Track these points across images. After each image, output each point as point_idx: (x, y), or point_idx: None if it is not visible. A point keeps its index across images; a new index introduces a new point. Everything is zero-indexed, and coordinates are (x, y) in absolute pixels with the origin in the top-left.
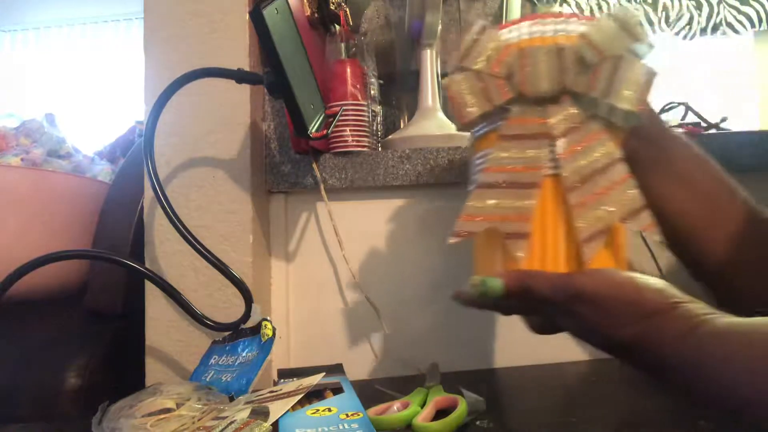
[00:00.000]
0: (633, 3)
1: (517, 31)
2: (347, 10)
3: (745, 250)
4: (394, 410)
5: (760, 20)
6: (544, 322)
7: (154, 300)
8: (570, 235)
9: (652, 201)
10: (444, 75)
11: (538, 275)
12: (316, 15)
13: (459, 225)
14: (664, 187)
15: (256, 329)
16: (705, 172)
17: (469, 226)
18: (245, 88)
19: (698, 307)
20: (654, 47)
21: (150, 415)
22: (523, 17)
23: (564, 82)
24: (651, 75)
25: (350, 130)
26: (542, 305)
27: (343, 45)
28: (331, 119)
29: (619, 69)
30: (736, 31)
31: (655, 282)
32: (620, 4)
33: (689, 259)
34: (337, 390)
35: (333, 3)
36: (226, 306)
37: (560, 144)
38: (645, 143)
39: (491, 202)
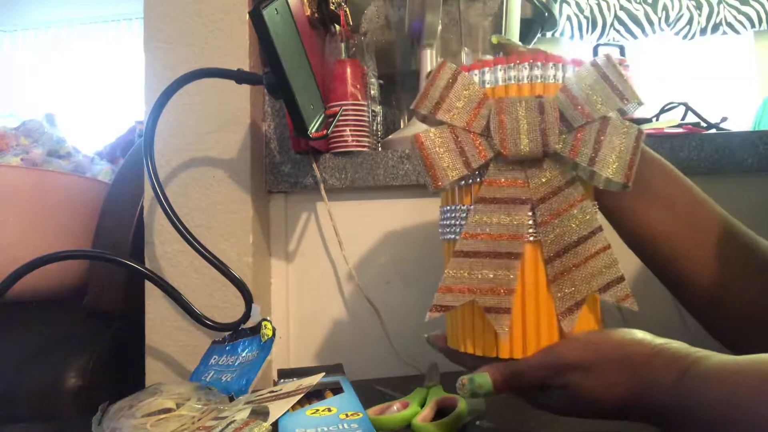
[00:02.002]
0: (633, 3)
1: (491, 75)
2: (347, 10)
3: (729, 270)
4: (394, 410)
5: (760, 20)
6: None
7: (154, 300)
8: (549, 305)
9: (634, 226)
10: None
11: (521, 360)
12: (316, 15)
13: (438, 299)
14: (644, 211)
15: (256, 329)
16: (682, 192)
17: (449, 299)
18: (245, 88)
19: (682, 348)
20: (643, 104)
21: (150, 415)
22: (495, 59)
23: (545, 143)
24: (639, 138)
25: (350, 130)
26: (532, 390)
27: (343, 45)
28: (331, 119)
29: (605, 134)
30: (736, 31)
31: (633, 333)
32: (620, 5)
33: (675, 283)
34: (336, 390)
35: (333, 3)
36: (226, 306)
37: (540, 209)
38: None
39: (471, 272)
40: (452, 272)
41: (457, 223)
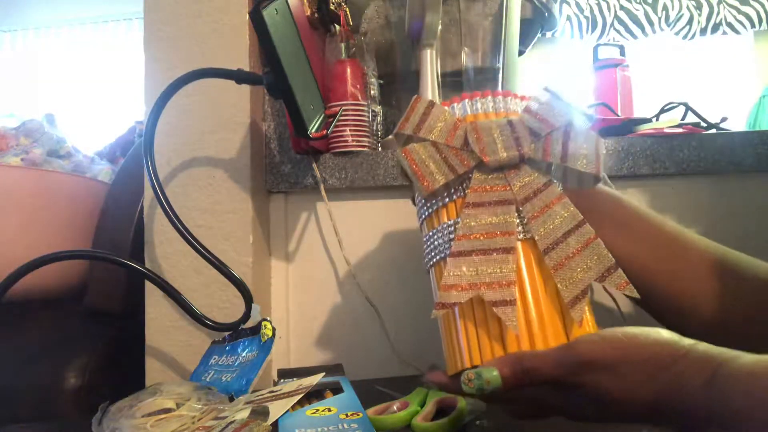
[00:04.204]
0: (633, 3)
1: (460, 109)
2: (347, 10)
3: (731, 304)
4: (394, 410)
5: (760, 20)
6: (527, 408)
7: (154, 300)
8: (549, 299)
9: None
10: (444, 75)
11: (535, 355)
12: (316, 15)
13: (442, 296)
14: (602, 236)
15: (256, 329)
16: (640, 218)
17: (453, 297)
18: (245, 88)
19: (709, 348)
20: (594, 119)
21: (150, 415)
22: (462, 95)
23: (520, 149)
24: (599, 140)
25: (350, 130)
26: (543, 386)
27: (343, 45)
28: (331, 119)
29: (570, 135)
30: (736, 31)
31: (660, 332)
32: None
33: (671, 320)
34: (336, 390)
35: (333, 3)
36: (226, 306)
37: (526, 209)
38: (573, 195)
39: (470, 269)
40: (452, 271)
41: (445, 240)
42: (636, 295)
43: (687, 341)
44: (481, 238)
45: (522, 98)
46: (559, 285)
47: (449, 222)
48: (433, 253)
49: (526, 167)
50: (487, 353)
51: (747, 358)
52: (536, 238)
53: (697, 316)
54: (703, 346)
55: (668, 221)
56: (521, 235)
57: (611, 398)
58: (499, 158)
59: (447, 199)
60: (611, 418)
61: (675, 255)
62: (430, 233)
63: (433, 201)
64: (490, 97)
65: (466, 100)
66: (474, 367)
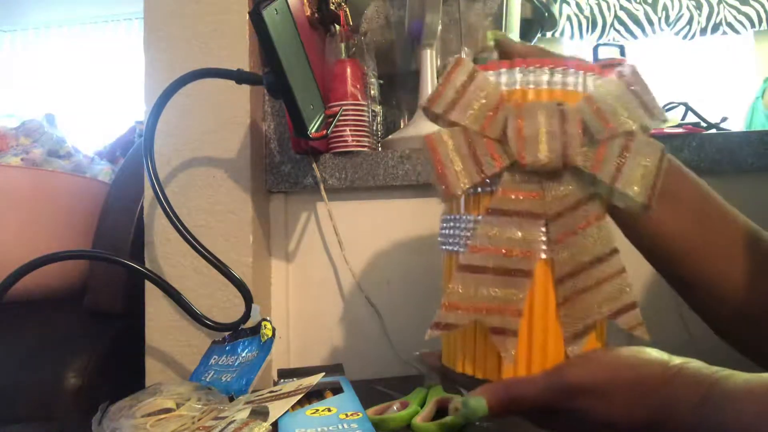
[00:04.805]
0: (633, 3)
1: (507, 77)
2: (347, 10)
3: (757, 290)
4: (394, 410)
5: (760, 20)
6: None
7: (154, 300)
8: (557, 328)
9: (641, 225)
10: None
11: (522, 382)
12: (316, 15)
13: (441, 316)
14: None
15: (256, 329)
16: (689, 188)
17: (452, 318)
18: (245, 88)
19: (701, 367)
20: (668, 121)
21: (150, 415)
22: (513, 61)
23: (566, 154)
24: (663, 157)
25: (350, 130)
26: (535, 413)
27: (343, 45)
28: (331, 119)
29: (630, 150)
30: (736, 31)
31: (647, 352)
32: (620, 4)
33: (687, 284)
34: (336, 390)
35: (333, 3)
36: (226, 306)
37: (555, 225)
38: None
39: (478, 290)
40: (457, 288)
41: (462, 234)
42: (647, 337)
43: (677, 360)
44: (498, 254)
45: (586, 69)
46: (563, 317)
47: (469, 217)
48: (449, 239)
49: (567, 176)
50: (481, 365)
51: (740, 377)
52: (559, 262)
53: (728, 300)
54: (695, 365)
55: (715, 193)
56: (544, 255)
57: (602, 421)
58: (538, 161)
59: (471, 191)
60: None
61: (719, 234)
62: (449, 216)
63: None
64: (547, 69)
65: (518, 69)
66: (464, 374)
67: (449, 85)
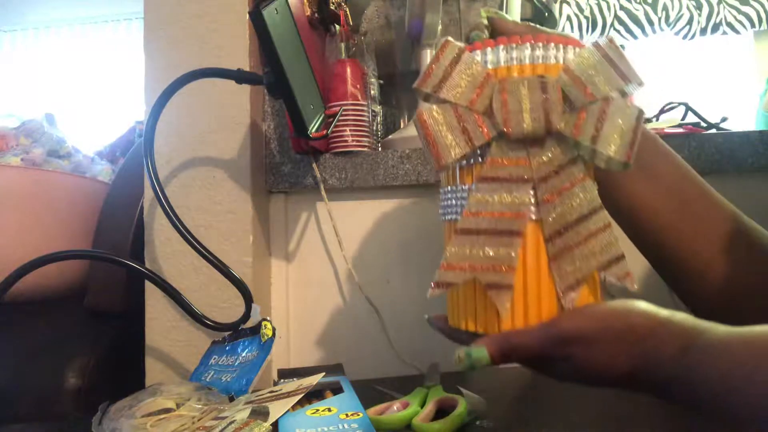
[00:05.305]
0: (633, 3)
1: (493, 55)
2: (347, 10)
3: (741, 273)
4: (394, 410)
5: (760, 20)
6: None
7: (154, 300)
8: (550, 282)
9: (619, 197)
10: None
11: (520, 333)
12: (316, 15)
13: (440, 275)
14: (630, 183)
15: (256, 329)
16: (671, 168)
17: (450, 276)
18: (245, 88)
19: (687, 319)
20: (644, 85)
21: (150, 415)
22: (498, 39)
23: (548, 122)
24: (640, 118)
25: (350, 130)
26: (533, 360)
27: (343, 45)
28: (331, 119)
29: (607, 113)
30: (736, 31)
31: (637, 304)
32: (620, 4)
33: (674, 275)
34: (337, 390)
35: (333, 3)
36: (226, 306)
37: (542, 188)
38: None
39: (473, 250)
40: (454, 250)
41: (458, 203)
42: (635, 287)
43: (664, 312)
44: (490, 217)
45: (566, 43)
46: (556, 273)
47: (464, 187)
48: (448, 210)
49: (551, 141)
50: (482, 321)
51: (722, 329)
52: (547, 221)
53: (707, 282)
54: (680, 317)
55: (697, 175)
56: (533, 216)
57: (595, 368)
58: (522, 130)
59: (464, 163)
60: (598, 385)
61: (699, 215)
62: (446, 188)
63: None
64: (528, 45)
65: (501, 47)
66: (467, 331)
67: (438, 66)
